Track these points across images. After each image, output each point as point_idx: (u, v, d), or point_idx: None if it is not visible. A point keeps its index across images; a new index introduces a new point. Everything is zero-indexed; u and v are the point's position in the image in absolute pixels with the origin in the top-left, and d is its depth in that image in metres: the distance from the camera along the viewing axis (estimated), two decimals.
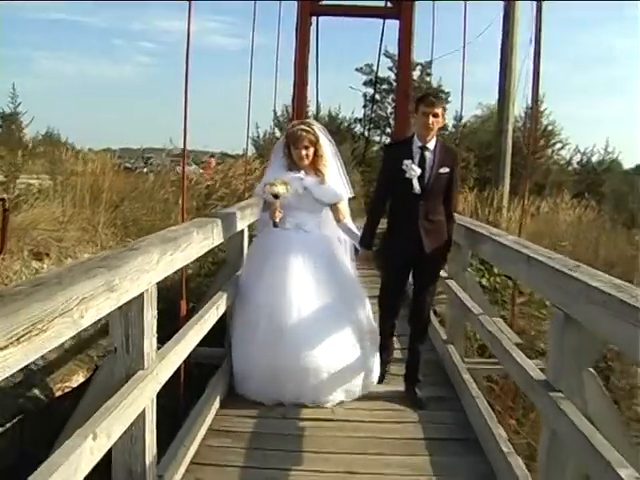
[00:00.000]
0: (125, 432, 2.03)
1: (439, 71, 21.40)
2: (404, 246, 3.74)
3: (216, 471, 2.93)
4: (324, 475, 2.91)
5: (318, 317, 3.69)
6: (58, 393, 4.52)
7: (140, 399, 2.11)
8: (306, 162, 3.90)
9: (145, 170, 12.94)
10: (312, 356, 3.62)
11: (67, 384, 4.68)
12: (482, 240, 3.81)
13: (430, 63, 20.22)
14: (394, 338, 4.25)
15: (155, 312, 2.29)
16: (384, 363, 4.05)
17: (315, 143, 3.91)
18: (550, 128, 21.79)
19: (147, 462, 2.30)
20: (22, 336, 1.31)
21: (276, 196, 3.73)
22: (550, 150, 21.24)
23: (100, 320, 5.25)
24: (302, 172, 3.92)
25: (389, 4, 12.16)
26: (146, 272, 2.13)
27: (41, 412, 4.21)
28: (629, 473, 1.70)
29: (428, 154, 3.64)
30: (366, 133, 18.42)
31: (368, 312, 3.96)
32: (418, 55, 17.40)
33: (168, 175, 10.86)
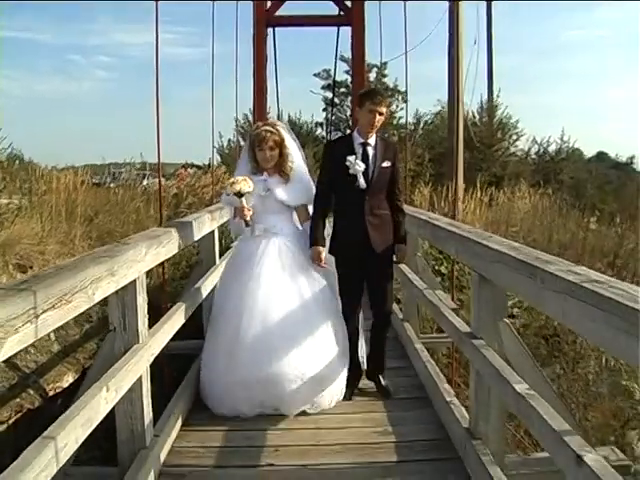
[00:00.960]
0: (127, 392, 2.50)
1: (395, 71, 21.98)
2: (352, 243, 3.72)
3: None
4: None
5: (286, 325, 3.62)
6: (51, 393, 4.78)
7: (137, 366, 2.58)
8: (271, 164, 3.87)
9: (112, 185, 13.24)
10: (278, 366, 3.54)
11: (58, 384, 5.06)
12: (422, 225, 4.30)
13: (385, 64, 21.03)
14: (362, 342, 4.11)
15: (145, 296, 2.76)
16: (353, 378, 3.95)
17: (280, 144, 3.87)
18: (505, 121, 22.65)
19: (145, 422, 2.76)
20: (55, 304, 1.77)
21: (239, 194, 3.69)
22: (506, 143, 22.01)
23: (84, 326, 5.54)
24: (265, 174, 3.89)
25: (342, 12, 12.70)
26: (137, 262, 2.61)
27: (35, 411, 4.48)
28: (522, 387, 2.24)
29: (370, 149, 3.68)
30: (327, 136, 18.94)
31: (341, 317, 3.87)
32: (374, 56, 18.12)
33: (137, 188, 11.25)
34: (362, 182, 3.64)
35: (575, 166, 24.31)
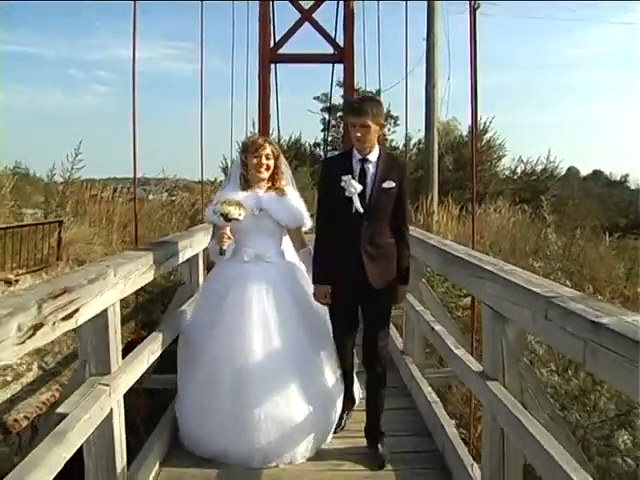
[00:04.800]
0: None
1: (390, 94, 23.74)
2: (345, 276, 3.31)
3: None
4: None
5: (278, 367, 3.30)
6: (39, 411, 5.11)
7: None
8: (266, 174, 3.53)
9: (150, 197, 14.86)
10: (267, 411, 3.25)
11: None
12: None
13: (379, 92, 22.87)
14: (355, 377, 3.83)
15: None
16: (346, 407, 3.73)
17: (277, 157, 3.56)
18: (492, 144, 24.49)
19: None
20: (157, 262, 3.35)
21: (227, 218, 3.31)
22: (489, 163, 23.84)
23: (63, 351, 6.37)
24: (258, 189, 3.55)
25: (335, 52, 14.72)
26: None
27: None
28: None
29: (370, 167, 3.26)
30: (324, 155, 20.73)
31: (334, 354, 3.58)
32: (373, 83, 19.80)
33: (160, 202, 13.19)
34: (358, 205, 3.21)
35: (560, 184, 26.00)
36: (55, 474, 1.93)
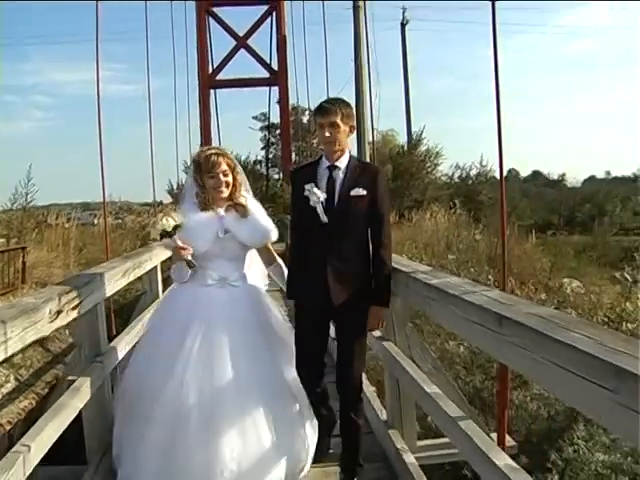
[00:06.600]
0: None
1: None
2: (308, 294, 3.10)
3: None
4: None
5: (246, 401, 2.96)
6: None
7: None
8: (226, 193, 3.21)
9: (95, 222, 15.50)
10: (231, 452, 2.86)
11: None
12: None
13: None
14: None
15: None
16: (323, 436, 3.35)
17: (233, 169, 3.25)
18: (426, 153, 25.95)
19: None
20: (127, 271, 4.38)
21: (166, 233, 3.07)
22: (424, 172, 25.28)
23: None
24: (220, 210, 3.24)
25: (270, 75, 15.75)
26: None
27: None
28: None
29: (339, 174, 3.04)
30: (265, 172, 21.70)
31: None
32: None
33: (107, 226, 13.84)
34: (322, 215, 3.00)
35: (493, 187, 27.60)
36: (72, 418, 2.75)
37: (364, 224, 3.04)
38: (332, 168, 3.05)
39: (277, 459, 2.99)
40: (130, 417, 3.02)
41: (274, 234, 3.37)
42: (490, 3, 4.02)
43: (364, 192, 2.98)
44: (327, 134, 3.01)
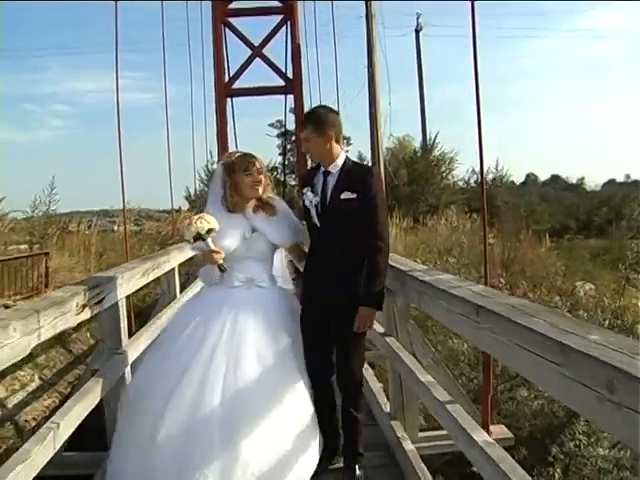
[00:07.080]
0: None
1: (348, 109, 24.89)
2: (310, 296, 3.22)
3: None
4: None
5: (267, 402, 2.93)
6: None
7: None
8: (260, 191, 3.25)
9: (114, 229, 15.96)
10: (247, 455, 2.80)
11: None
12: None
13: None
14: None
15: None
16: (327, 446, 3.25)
17: (262, 172, 3.29)
18: (440, 158, 26.12)
19: None
20: (146, 271, 4.69)
21: (199, 237, 3.07)
22: (439, 177, 25.46)
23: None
24: (247, 210, 3.28)
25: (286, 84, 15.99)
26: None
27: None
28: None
29: (331, 179, 3.16)
30: (282, 178, 22.00)
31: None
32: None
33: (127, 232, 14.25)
34: (314, 217, 3.16)
35: (520, 191, 27.50)
36: (96, 402, 3.03)
37: (353, 224, 3.10)
38: (326, 173, 3.19)
39: (295, 461, 2.96)
40: (137, 414, 2.93)
41: (303, 232, 3.43)
42: (477, 3, 4.29)
43: (353, 195, 3.08)
44: (303, 149, 3.34)
